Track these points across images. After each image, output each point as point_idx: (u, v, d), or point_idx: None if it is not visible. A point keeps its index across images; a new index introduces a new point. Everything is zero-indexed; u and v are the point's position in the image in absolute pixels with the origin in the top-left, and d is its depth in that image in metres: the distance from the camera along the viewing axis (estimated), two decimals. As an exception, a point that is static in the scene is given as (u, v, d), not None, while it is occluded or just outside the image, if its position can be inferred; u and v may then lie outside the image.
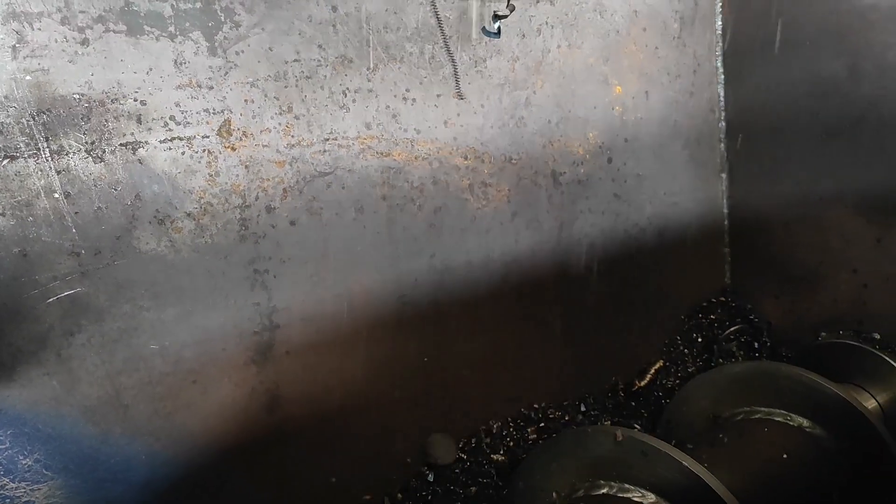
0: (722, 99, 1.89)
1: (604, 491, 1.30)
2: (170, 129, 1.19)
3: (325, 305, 1.37)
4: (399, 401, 1.47)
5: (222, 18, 1.22)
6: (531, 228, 1.61)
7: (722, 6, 1.85)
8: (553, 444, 1.42)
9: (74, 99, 1.11)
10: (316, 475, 1.39)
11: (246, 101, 1.25)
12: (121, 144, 1.15)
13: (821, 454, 1.49)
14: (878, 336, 1.68)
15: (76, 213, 1.13)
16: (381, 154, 1.40)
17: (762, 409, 1.54)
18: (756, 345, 1.86)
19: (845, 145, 1.67)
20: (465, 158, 1.51)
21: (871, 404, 1.64)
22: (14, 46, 1.06)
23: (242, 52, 1.24)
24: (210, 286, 1.25)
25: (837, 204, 1.71)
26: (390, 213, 1.42)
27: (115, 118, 1.15)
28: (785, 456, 1.45)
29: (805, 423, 1.51)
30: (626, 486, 1.29)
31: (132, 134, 1.16)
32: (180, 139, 1.20)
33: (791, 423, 1.51)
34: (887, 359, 1.64)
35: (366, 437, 1.44)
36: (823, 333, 1.78)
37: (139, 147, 1.17)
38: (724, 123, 1.90)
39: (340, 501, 1.42)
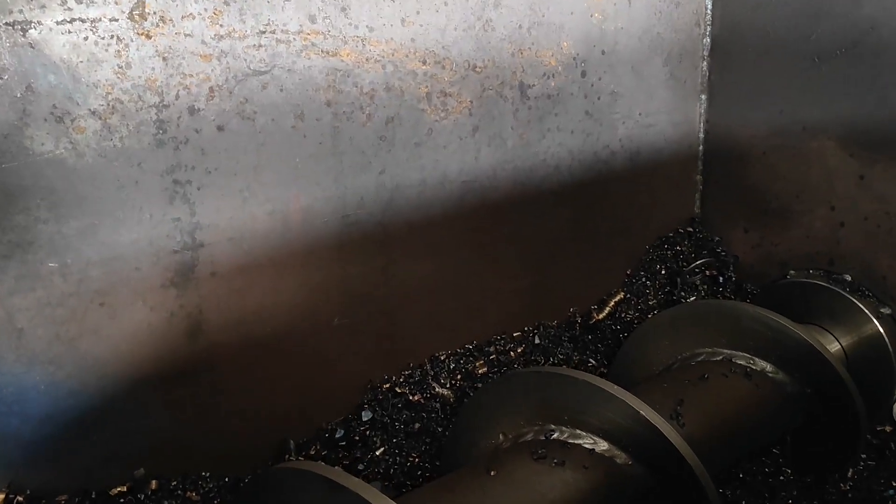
0: (709, 12, 1.72)
1: (554, 436, 1.21)
2: (69, 9, 1.00)
3: (256, 223, 1.22)
4: (338, 329, 1.35)
5: None
6: (493, 145, 1.46)
7: None
8: (502, 382, 1.32)
9: (-56, -38, 0.91)
10: (244, 407, 1.27)
11: (164, -22, 1.06)
12: (6, 24, 0.96)
13: (782, 399, 1.43)
14: (848, 278, 1.60)
15: (-48, 104, 0.94)
16: (327, 53, 1.22)
17: (724, 351, 1.46)
18: (721, 279, 1.78)
19: (837, 72, 1.54)
20: (424, 63, 1.34)
21: (834, 347, 1.58)
22: None
23: (160, -82, 1.04)
24: (120, 197, 1.08)
25: (821, 135, 1.59)
26: (335, 122, 1.26)
27: (-2, -10, 0.95)
28: (745, 401, 1.38)
29: (768, 367, 1.44)
30: (578, 431, 1.20)
31: (21, 11, 0.97)
32: (82, 21, 1.01)
33: (754, 368, 1.43)
34: (856, 302, 1.56)
35: (300, 367, 1.32)
36: (792, 271, 1.70)
37: (30, 28, 0.97)
38: (708, 39, 1.74)
39: (270, 435, 1.31)
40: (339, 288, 1.34)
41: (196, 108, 1.12)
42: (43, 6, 0.98)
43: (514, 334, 1.58)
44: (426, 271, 1.44)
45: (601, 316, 1.67)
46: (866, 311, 1.55)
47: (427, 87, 1.35)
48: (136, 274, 1.12)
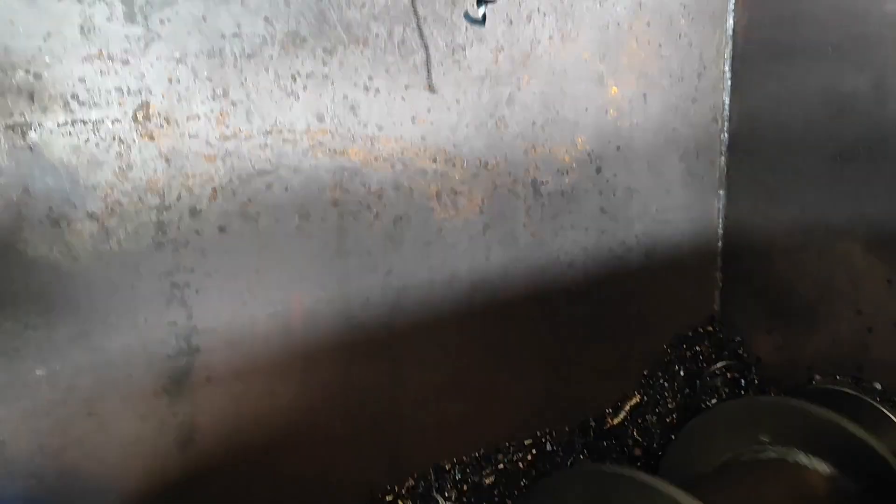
0: (727, 108, 1.70)
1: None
2: (71, 111, 0.97)
3: (256, 326, 1.17)
4: (341, 436, 1.28)
5: (144, -22, 1.00)
6: (505, 244, 1.42)
7: (735, 3, 1.65)
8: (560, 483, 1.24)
9: (-54, 67, 0.89)
10: (236, 520, 1.20)
11: (170, 80, 1.04)
12: (7, 126, 0.94)
13: (839, 499, 1.33)
14: (879, 386, 1.51)
15: (-56, 207, 0.91)
16: (335, 152, 1.20)
17: (779, 448, 1.36)
18: (743, 382, 1.70)
19: (862, 171, 1.49)
20: (434, 161, 1.31)
21: (864, 460, 1.48)
22: None
23: (169, 20, 1.02)
24: (115, 301, 1.04)
25: (846, 236, 1.54)
26: (341, 222, 1.22)
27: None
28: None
29: (826, 468, 1.34)
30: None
31: (22, 114, 0.94)
32: (84, 123, 0.99)
33: (811, 467, 1.34)
34: (887, 413, 1.47)
35: (300, 477, 1.25)
36: (818, 377, 1.61)
37: (30, 130, 0.95)
38: (726, 135, 1.71)
39: (264, 549, 1.23)
40: (341, 392, 1.28)
41: (198, 208, 1.09)
42: (45, 108, 0.96)
43: (525, 441, 1.51)
44: (433, 374, 1.38)
45: (616, 421, 1.59)
46: (898, 422, 1.46)
47: (437, 185, 1.31)
48: (126, 381, 1.07)
